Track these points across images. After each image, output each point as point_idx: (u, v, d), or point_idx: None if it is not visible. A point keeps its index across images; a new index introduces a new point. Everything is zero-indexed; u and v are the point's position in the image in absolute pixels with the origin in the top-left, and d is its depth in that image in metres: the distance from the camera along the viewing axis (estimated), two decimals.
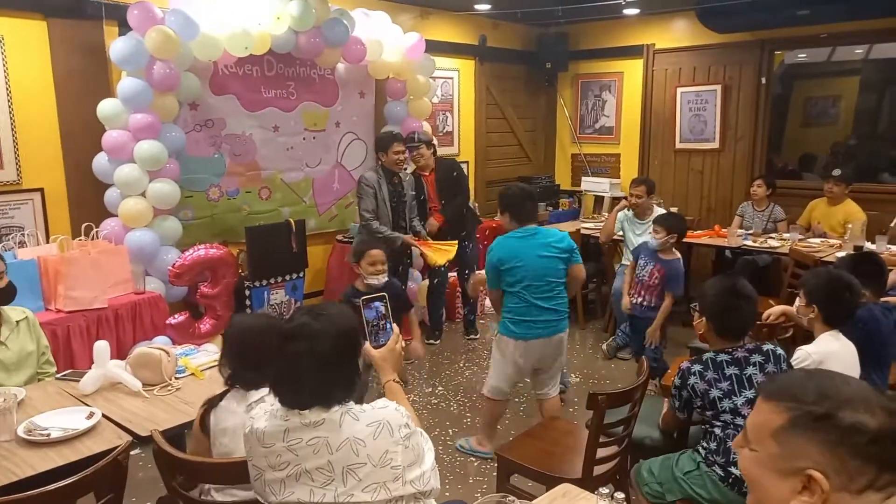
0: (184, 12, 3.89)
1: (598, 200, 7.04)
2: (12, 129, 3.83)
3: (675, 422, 2.52)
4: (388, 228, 4.54)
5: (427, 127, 5.42)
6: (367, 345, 1.83)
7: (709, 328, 2.40)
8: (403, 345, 1.90)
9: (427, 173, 5.01)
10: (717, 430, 2.28)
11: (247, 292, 4.28)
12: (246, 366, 1.95)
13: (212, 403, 2.00)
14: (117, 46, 3.80)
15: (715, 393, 2.28)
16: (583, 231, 5.73)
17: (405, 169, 4.79)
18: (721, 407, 2.27)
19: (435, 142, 5.17)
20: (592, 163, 7.36)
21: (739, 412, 2.25)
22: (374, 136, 5.56)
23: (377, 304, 1.84)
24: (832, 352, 2.42)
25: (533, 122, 7.55)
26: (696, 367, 2.34)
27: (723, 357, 2.33)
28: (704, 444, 2.33)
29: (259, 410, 1.62)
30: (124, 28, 3.95)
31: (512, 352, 3.25)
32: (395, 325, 1.88)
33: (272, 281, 4.40)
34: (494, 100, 7.00)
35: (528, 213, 3.26)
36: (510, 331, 3.24)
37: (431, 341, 5.15)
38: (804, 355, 2.46)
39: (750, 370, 2.30)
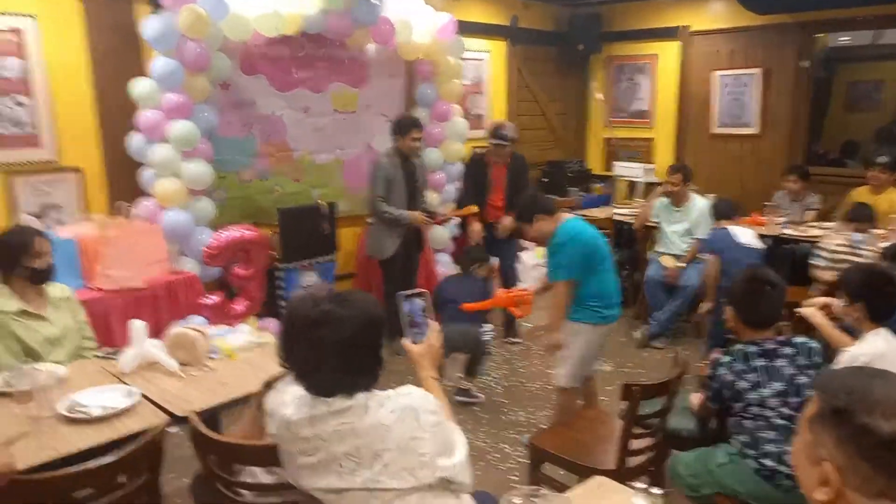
0: None
1: (632, 186, 6.93)
2: (50, 109, 3.87)
3: (708, 411, 2.52)
4: (395, 209, 4.46)
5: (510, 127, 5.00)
6: (405, 340, 1.82)
7: (736, 318, 2.38)
8: (440, 341, 1.85)
9: (500, 165, 4.86)
10: (748, 423, 2.26)
11: (279, 274, 4.30)
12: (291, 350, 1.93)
13: (271, 384, 2.00)
14: (150, 25, 3.81)
15: (741, 384, 2.27)
16: (615, 217, 5.65)
17: (418, 155, 4.69)
18: (747, 399, 2.25)
19: (517, 136, 4.96)
20: (625, 147, 7.24)
21: (766, 404, 2.23)
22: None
23: (417, 299, 1.83)
24: (880, 354, 2.34)
25: (564, 105, 7.44)
26: (726, 359, 2.33)
27: (752, 348, 2.30)
28: (737, 437, 2.31)
29: (289, 396, 1.61)
30: (156, 7, 3.96)
31: (596, 338, 3.18)
32: (434, 322, 1.85)
33: (304, 263, 4.41)
34: (525, 82, 6.90)
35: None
36: (599, 316, 3.14)
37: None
38: (851, 358, 2.40)
39: (779, 362, 2.27)
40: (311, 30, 4.45)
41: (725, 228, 4.40)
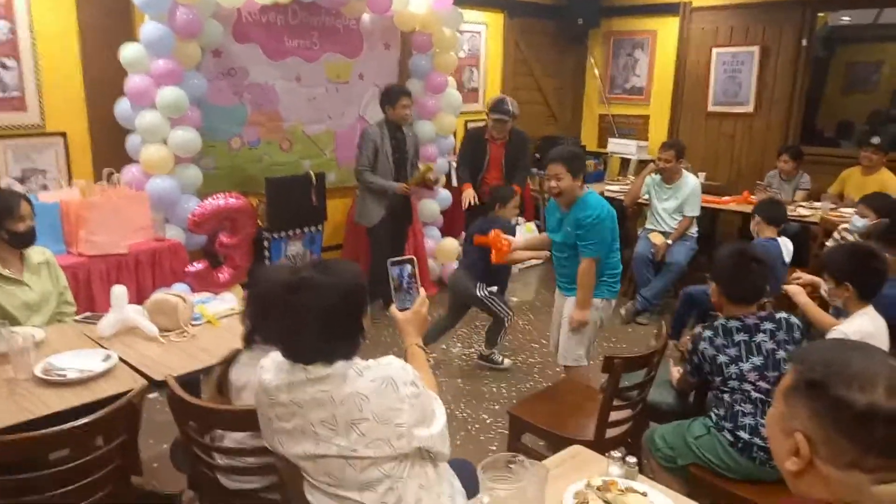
0: None
1: (625, 163, 6.90)
2: (36, 73, 3.81)
3: (688, 385, 2.56)
4: (380, 179, 4.46)
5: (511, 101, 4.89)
6: (393, 307, 1.80)
7: (721, 294, 2.39)
8: (427, 308, 1.84)
9: (498, 143, 4.81)
10: (726, 397, 2.29)
11: (265, 243, 4.29)
12: (267, 319, 1.92)
13: (230, 362, 2.00)
14: None
15: (722, 359, 2.29)
16: (607, 193, 5.62)
17: (410, 123, 4.66)
18: (727, 373, 2.28)
19: (518, 112, 4.83)
20: (620, 124, 7.19)
21: (746, 378, 2.26)
22: None
23: (405, 265, 1.81)
24: (868, 333, 2.35)
25: (561, 80, 7.36)
26: (707, 333, 2.36)
27: (733, 323, 2.33)
28: (715, 410, 2.33)
29: (269, 361, 1.61)
30: None
31: (601, 314, 3.17)
32: (422, 289, 1.84)
33: (291, 233, 4.39)
34: (522, 56, 6.82)
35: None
36: (612, 292, 3.16)
37: None
38: (839, 336, 2.40)
39: (760, 337, 2.29)
40: None
41: (776, 240, 3.89)
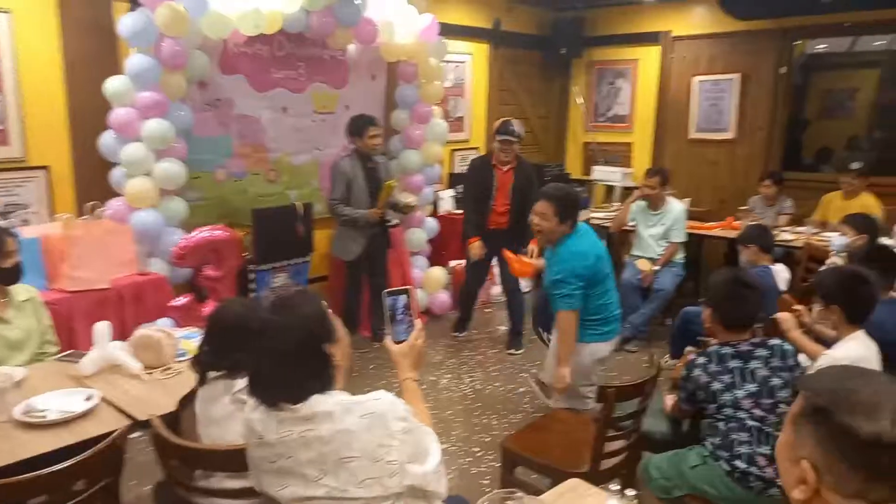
0: None
1: (609, 190, 6.95)
2: (19, 106, 3.78)
3: (682, 413, 2.53)
4: (351, 210, 4.43)
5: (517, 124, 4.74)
6: (387, 339, 1.76)
7: (714, 319, 2.39)
8: (423, 342, 1.79)
9: (505, 169, 4.61)
10: (721, 425, 2.27)
11: (251, 276, 4.24)
12: (231, 348, 1.88)
13: (186, 402, 1.96)
14: (127, 22, 3.74)
15: (716, 385, 2.27)
16: (593, 221, 5.65)
17: (380, 153, 4.61)
18: (721, 400, 2.26)
19: (523, 134, 4.72)
20: (604, 152, 7.25)
21: (740, 405, 2.24)
22: (385, 119, 5.49)
23: (401, 296, 1.76)
24: (860, 358, 2.34)
25: (545, 108, 7.44)
26: (701, 360, 2.34)
27: (727, 350, 2.32)
28: (710, 439, 2.31)
29: (252, 403, 1.57)
30: (134, 4, 3.87)
31: (591, 358, 3.00)
32: (418, 321, 1.78)
33: (277, 265, 4.35)
34: (507, 85, 6.89)
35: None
36: (598, 335, 2.98)
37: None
38: (829, 361, 2.40)
39: (753, 364, 2.28)
40: (291, 28, 4.39)
41: (769, 267, 3.82)
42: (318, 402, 1.46)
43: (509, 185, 4.59)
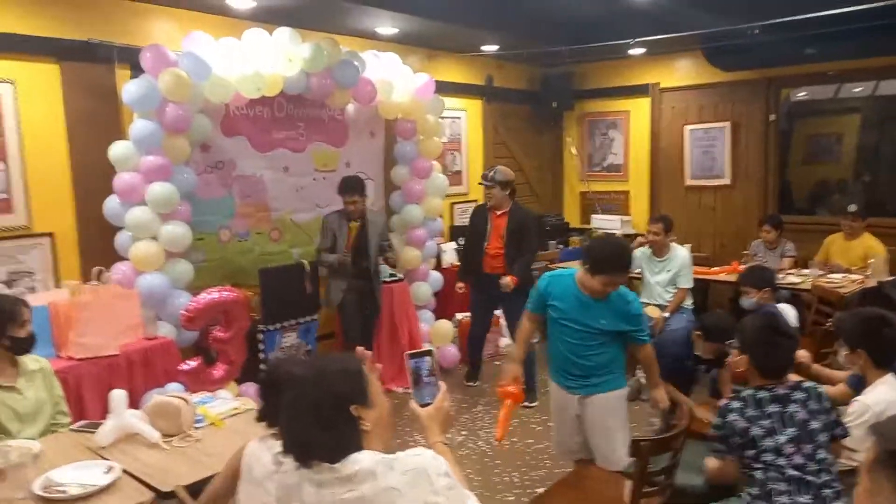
0: (196, 55, 3.87)
1: None
2: (23, 173, 3.77)
3: (725, 473, 2.33)
4: (327, 255, 4.55)
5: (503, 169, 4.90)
6: (412, 402, 1.69)
7: (750, 366, 2.34)
8: (449, 403, 1.72)
9: (499, 213, 4.78)
10: (759, 474, 2.19)
11: (260, 336, 4.17)
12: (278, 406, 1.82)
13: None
14: (130, 89, 3.77)
15: (756, 431, 2.21)
16: None
17: (356, 217, 4.61)
18: (762, 445, 2.19)
19: (511, 180, 4.82)
20: (602, 200, 7.33)
21: (782, 451, 2.17)
22: (385, 175, 5.54)
23: (424, 358, 1.70)
24: (892, 402, 2.31)
25: (540, 160, 7.55)
26: (736, 405, 2.27)
27: (763, 394, 2.26)
28: (748, 490, 2.23)
29: (290, 465, 1.51)
30: (136, 71, 3.93)
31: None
32: (441, 382, 1.72)
33: (285, 324, 4.29)
34: (502, 139, 7.02)
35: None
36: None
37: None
38: (862, 408, 2.36)
39: (792, 408, 2.23)
40: (291, 90, 4.45)
41: (774, 308, 3.67)
42: (358, 460, 1.41)
43: (503, 229, 4.76)
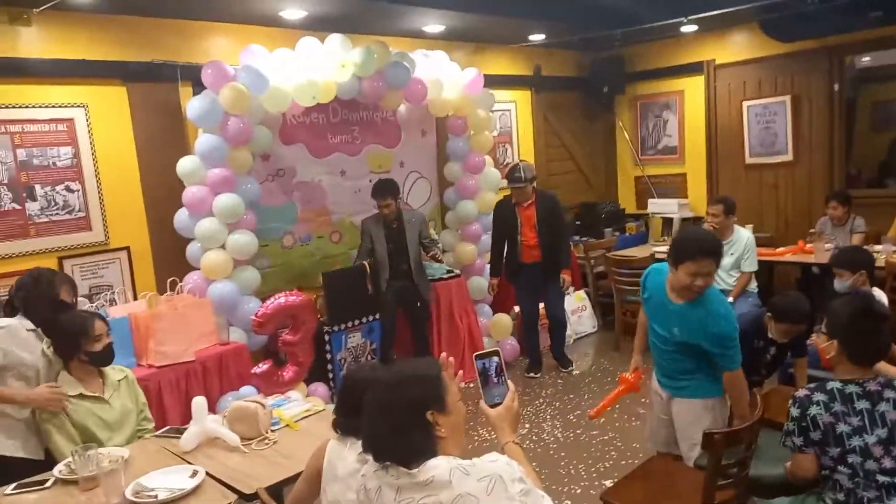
0: (254, 68, 4.00)
1: (667, 222, 6.84)
2: (99, 192, 3.99)
3: (805, 468, 2.17)
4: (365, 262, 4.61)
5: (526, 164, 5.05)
6: (482, 403, 1.70)
7: (841, 353, 2.16)
8: (518, 402, 1.74)
9: (526, 205, 4.93)
10: (844, 480, 2.06)
11: (326, 337, 4.30)
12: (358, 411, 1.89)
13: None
14: (193, 105, 3.93)
15: (843, 428, 2.06)
16: (657, 255, 5.56)
17: (391, 220, 4.65)
18: (849, 445, 2.04)
19: (534, 174, 4.95)
20: (657, 184, 7.19)
21: (871, 454, 2.02)
22: (438, 173, 5.59)
23: (492, 358, 1.70)
24: None
25: (592, 147, 7.46)
26: (820, 397, 2.10)
27: (853, 388, 2.10)
28: (831, 495, 2.11)
29: (369, 468, 1.57)
30: (198, 87, 4.09)
31: (719, 412, 2.79)
32: (510, 382, 1.73)
33: (349, 324, 4.40)
34: (552, 128, 6.96)
35: None
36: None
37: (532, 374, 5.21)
38: None
39: (883, 406, 2.07)
40: (345, 95, 4.54)
41: (868, 291, 3.41)
42: (434, 466, 1.45)
43: (534, 219, 4.92)
